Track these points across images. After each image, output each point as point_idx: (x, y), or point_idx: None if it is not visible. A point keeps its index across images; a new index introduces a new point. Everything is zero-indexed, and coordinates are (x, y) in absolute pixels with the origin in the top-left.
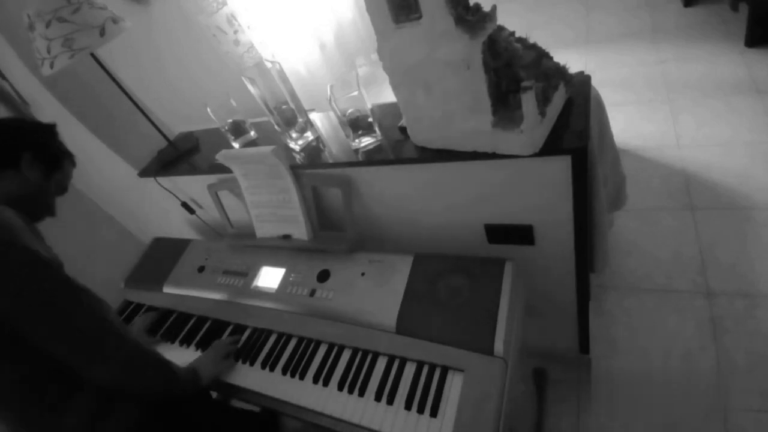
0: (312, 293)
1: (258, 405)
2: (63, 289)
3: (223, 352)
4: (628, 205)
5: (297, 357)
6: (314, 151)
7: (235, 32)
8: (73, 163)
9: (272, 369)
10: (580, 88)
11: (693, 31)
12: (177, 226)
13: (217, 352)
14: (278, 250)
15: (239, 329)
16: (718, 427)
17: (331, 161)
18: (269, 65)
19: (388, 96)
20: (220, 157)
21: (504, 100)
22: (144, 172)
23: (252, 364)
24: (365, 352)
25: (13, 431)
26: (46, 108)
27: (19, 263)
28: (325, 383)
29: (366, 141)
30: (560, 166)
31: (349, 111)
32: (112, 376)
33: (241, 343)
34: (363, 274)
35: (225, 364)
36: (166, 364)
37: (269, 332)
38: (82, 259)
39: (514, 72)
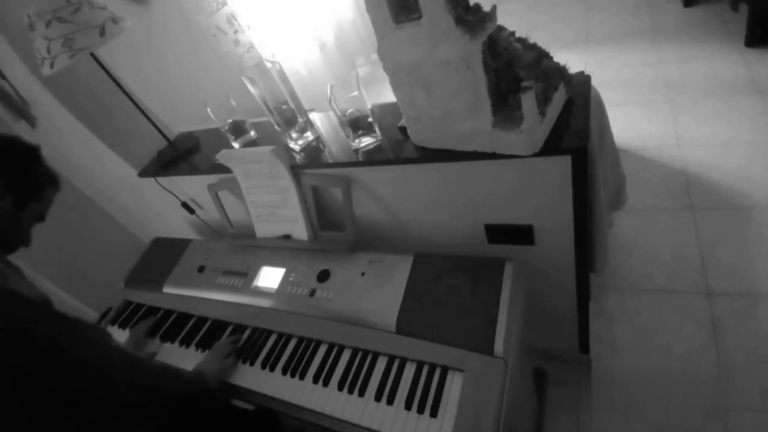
0: (312, 293)
1: (258, 405)
2: (57, 327)
3: (225, 352)
4: (628, 205)
5: (297, 357)
6: (314, 151)
7: (235, 32)
8: (56, 189)
9: (272, 369)
10: (580, 88)
11: (693, 31)
12: (177, 226)
13: (219, 353)
14: (278, 250)
15: (239, 329)
16: (718, 427)
17: (331, 161)
18: (269, 65)
19: (388, 96)
20: (220, 157)
21: (504, 100)
22: (144, 172)
23: (252, 364)
24: (365, 352)
25: None
26: (46, 108)
27: (7, 309)
28: (325, 383)
29: (366, 141)
30: (560, 166)
31: (349, 111)
32: (121, 399)
33: (241, 342)
34: (363, 274)
35: (228, 363)
36: (170, 374)
37: (269, 332)
38: (82, 259)
39: (514, 72)
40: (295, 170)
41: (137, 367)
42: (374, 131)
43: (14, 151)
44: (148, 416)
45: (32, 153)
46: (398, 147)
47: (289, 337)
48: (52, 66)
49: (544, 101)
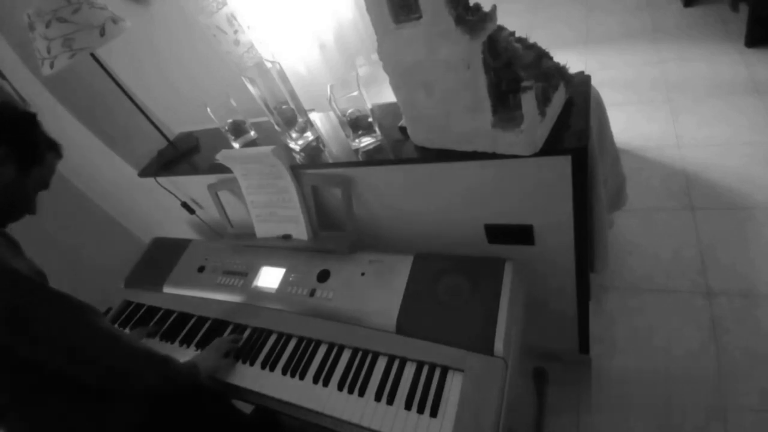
0: (312, 293)
1: (258, 405)
2: (48, 303)
3: (223, 349)
4: (628, 205)
5: (297, 357)
6: (314, 151)
7: (235, 32)
8: (58, 155)
9: (272, 369)
10: (580, 88)
11: (693, 31)
12: (177, 226)
13: (217, 349)
14: (278, 250)
15: (239, 329)
16: (718, 427)
17: (331, 161)
18: (269, 65)
19: (388, 96)
20: (220, 157)
21: (504, 100)
22: (144, 172)
23: (252, 364)
24: (365, 352)
25: None
26: (46, 108)
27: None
28: (325, 383)
29: (366, 141)
30: (560, 166)
31: (349, 111)
32: (105, 382)
33: (241, 342)
34: (363, 274)
35: (224, 361)
36: (162, 362)
37: (269, 332)
38: (82, 259)
39: (514, 72)
40: (295, 170)
41: (126, 349)
42: (374, 131)
43: (11, 119)
44: (131, 404)
45: (30, 119)
46: (398, 147)
47: (289, 337)
48: (52, 66)
49: (544, 101)
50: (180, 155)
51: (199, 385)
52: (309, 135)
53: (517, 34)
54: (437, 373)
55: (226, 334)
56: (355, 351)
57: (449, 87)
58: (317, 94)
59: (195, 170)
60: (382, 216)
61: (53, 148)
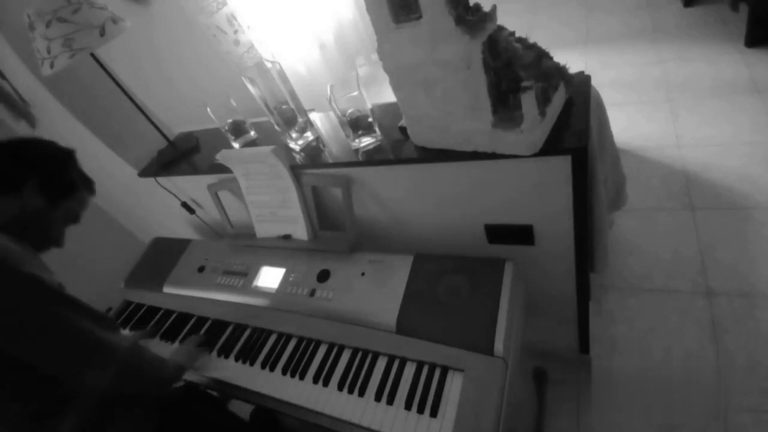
0: (312, 293)
1: (257, 405)
2: (60, 306)
3: (194, 342)
4: (628, 205)
5: (297, 357)
6: (314, 151)
7: (235, 32)
8: (91, 191)
9: (272, 369)
10: (580, 88)
11: (693, 31)
12: (177, 226)
13: (188, 347)
14: (278, 250)
15: (239, 329)
16: (718, 427)
17: (331, 161)
18: (269, 65)
19: (388, 96)
20: (220, 157)
21: (504, 100)
22: (144, 172)
23: (252, 364)
24: (365, 352)
25: None
26: (46, 108)
27: (14, 285)
28: (325, 383)
29: (366, 141)
30: (560, 166)
31: (349, 111)
32: (122, 386)
33: (241, 343)
34: (363, 274)
35: (196, 350)
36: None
37: (269, 332)
38: (82, 259)
39: (514, 72)
40: (295, 170)
41: (144, 358)
42: (374, 131)
43: (48, 155)
44: (143, 416)
45: (65, 156)
46: (398, 147)
47: (289, 337)
48: (52, 66)
49: (544, 101)
50: (180, 155)
51: (172, 380)
52: (309, 135)
53: (517, 34)
54: (437, 373)
55: (226, 334)
56: (355, 351)
57: (449, 87)
58: (317, 94)
59: (195, 170)
60: (382, 216)
61: (86, 186)
